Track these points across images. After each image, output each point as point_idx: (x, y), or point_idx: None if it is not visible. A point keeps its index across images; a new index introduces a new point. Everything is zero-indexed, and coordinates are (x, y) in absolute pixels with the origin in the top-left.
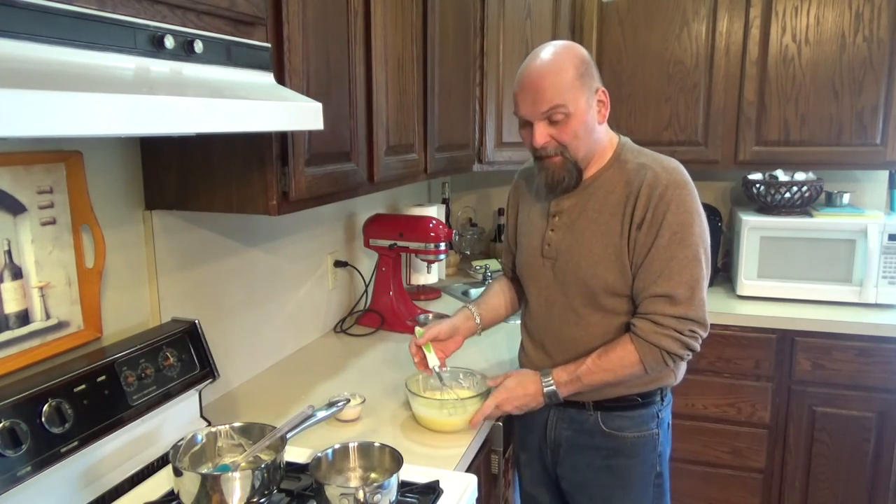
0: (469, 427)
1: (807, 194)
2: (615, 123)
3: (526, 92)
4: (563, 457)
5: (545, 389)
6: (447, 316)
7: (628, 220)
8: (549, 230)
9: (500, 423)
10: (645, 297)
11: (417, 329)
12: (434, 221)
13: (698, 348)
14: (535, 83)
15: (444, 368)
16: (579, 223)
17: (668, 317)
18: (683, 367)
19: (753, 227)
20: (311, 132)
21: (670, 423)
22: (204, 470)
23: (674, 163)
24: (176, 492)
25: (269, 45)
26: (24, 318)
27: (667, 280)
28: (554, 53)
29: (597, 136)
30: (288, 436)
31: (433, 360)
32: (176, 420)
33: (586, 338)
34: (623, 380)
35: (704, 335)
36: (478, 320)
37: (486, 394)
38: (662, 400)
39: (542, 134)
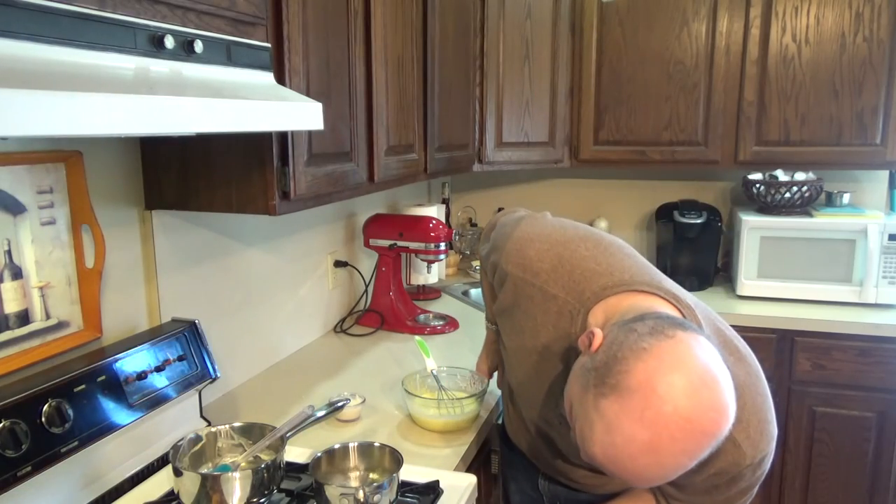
0: None
1: (807, 194)
2: (616, 124)
3: (609, 473)
4: None
5: None
6: (448, 316)
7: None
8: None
9: (500, 423)
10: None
11: (418, 339)
12: (434, 221)
13: None
14: (626, 481)
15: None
16: None
17: None
18: None
19: (753, 227)
20: (311, 132)
21: None
22: (204, 470)
23: (761, 409)
24: (176, 492)
25: (269, 45)
26: (24, 318)
27: (713, 498)
28: (678, 457)
29: None
30: (288, 436)
31: (431, 363)
32: (176, 420)
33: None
34: None
35: None
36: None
37: (481, 394)
38: None
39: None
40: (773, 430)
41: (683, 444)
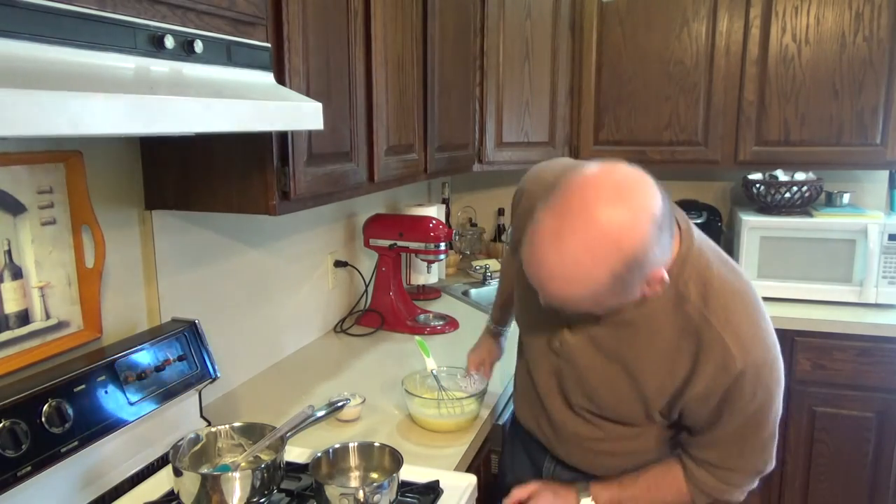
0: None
1: (807, 194)
2: (616, 124)
3: (529, 272)
4: None
5: None
6: (448, 316)
7: (675, 386)
8: (566, 326)
9: (500, 423)
10: (707, 461)
11: (418, 339)
12: (434, 221)
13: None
14: (538, 281)
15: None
16: (607, 348)
17: (738, 479)
18: None
19: (753, 227)
20: (311, 132)
21: None
22: (204, 470)
23: (751, 316)
24: (176, 492)
25: (269, 45)
26: (24, 318)
27: (735, 458)
28: (581, 256)
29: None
30: (288, 436)
31: (431, 362)
32: (176, 420)
33: (600, 435)
34: None
35: None
36: (503, 332)
37: (481, 394)
38: None
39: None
40: (770, 340)
41: (584, 237)
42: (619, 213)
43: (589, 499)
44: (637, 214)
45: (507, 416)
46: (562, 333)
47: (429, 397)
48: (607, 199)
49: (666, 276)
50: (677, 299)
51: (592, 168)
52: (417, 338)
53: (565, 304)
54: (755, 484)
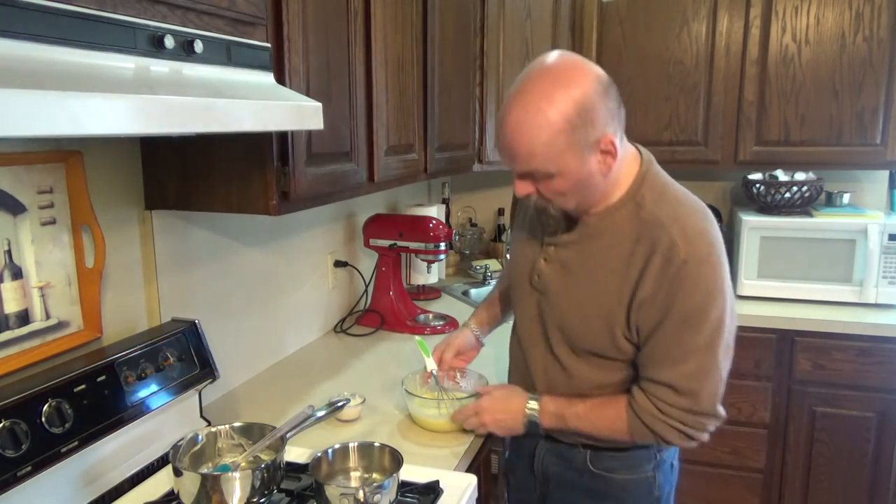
0: (454, 420)
1: (807, 194)
2: None
3: (500, 142)
4: (552, 492)
5: (527, 413)
6: (448, 316)
7: (630, 290)
8: (542, 259)
9: None
10: (646, 378)
11: (418, 339)
12: (434, 221)
13: (707, 438)
14: (506, 141)
15: (464, 373)
16: (575, 267)
17: (671, 406)
18: None
19: (753, 227)
20: (311, 132)
21: (675, 462)
22: (204, 470)
23: (699, 221)
24: (176, 492)
25: (269, 45)
26: (24, 318)
27: (669, 368)
28: (538, 102)
29: (597, 187)
30: (288, 436)
31: (430, 363)
32: (176, 420)
33: (575, 384)
34: (607, 440)
35: (717, 424)
36: (480, 335)
37: (479, 395)
38: None
39: (521, 187)
40: (716, 243)
41: (541, 87)
42: (568, 71)
43: (535, 402)
44: (584, 73)
45: None
46: (539, 266)
47: (429, 397)
48: (559, 63)
49: (617, 141)
50: (635, 208)
51: (553, 52)
52: (417, 338)
53: (531, 159)
54: (699, 433)
